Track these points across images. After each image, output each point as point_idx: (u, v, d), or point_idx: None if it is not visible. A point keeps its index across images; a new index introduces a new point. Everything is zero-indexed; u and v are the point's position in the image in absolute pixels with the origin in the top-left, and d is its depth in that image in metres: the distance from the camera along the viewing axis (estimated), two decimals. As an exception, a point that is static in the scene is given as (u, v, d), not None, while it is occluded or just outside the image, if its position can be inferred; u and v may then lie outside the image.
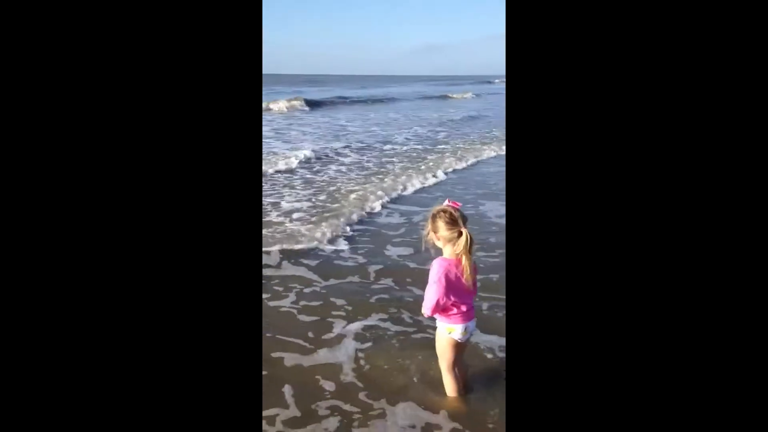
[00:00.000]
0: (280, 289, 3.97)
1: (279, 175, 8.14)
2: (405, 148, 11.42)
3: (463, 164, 9.30)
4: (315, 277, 4.24)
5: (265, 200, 6.57)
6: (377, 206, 6.30)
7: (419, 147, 11.55)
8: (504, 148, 11.30)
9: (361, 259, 4.66)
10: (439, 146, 11.68)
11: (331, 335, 3.31)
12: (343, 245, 4.97)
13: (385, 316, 3.57)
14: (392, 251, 4.88)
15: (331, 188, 7.40)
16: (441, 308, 2.36)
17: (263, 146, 10.12)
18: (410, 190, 7.33)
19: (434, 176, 8.19)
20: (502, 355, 3.08)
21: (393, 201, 6.66)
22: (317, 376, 2.85)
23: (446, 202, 2.37)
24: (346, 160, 9.78)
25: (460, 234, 2.26)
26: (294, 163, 8.92)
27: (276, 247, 4.75)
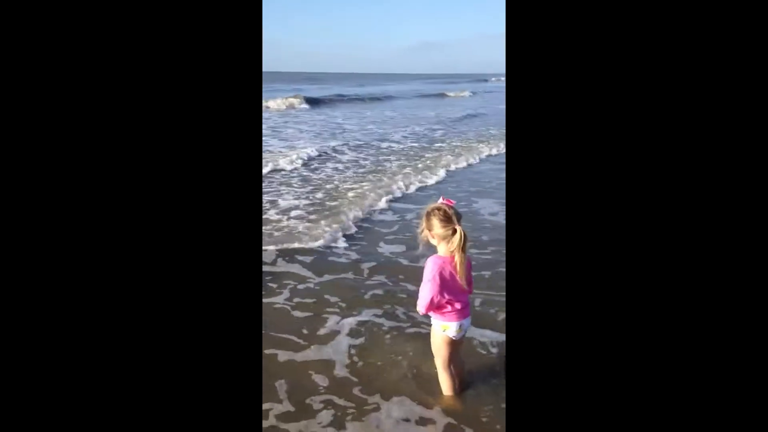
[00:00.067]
0: (274, 285, 3.99)
1: (277, 174, 8.12)
2: (402, 146, 11.41)
3: (464, 164, 9.28)
4: (309, 273, 4.26)
5: (263, 198, 6.58)
6: (378, 205, 6.32)
7: (416, 145, 11.54)
8: (500, 146, 11.32)
9: (355, 256, 4.67)
10: (437, 144, 11.68)
11: (325, 331, 3.32)
12: (337, 243, 4.98)
13: (380, 312, 3.58)
14: (385, 248, 4.90)
15: (328, 186, 7.41)
16: (435, 306, 2.37)
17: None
18: (406, 188, 7.33)
19: (434, 174, 8.20)
20: (495, 350, 3.10)
21: (390, 201, 6.65)
22: (311, 372, 2.86)
23: (440, 200, 2.37)
24: (344, 158, 9.77)
25: (455, 231, 2.27)
26: (298, 162, 8.86)
27: (272, 247, 4.75)
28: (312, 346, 3.13)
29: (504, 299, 3.75)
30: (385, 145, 11.56)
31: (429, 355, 2.74)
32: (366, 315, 3.54)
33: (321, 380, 2.78)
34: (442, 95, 34.19)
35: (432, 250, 2.47)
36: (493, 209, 6.26)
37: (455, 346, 2.52)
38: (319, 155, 9.73)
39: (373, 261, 4.55)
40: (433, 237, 2.36)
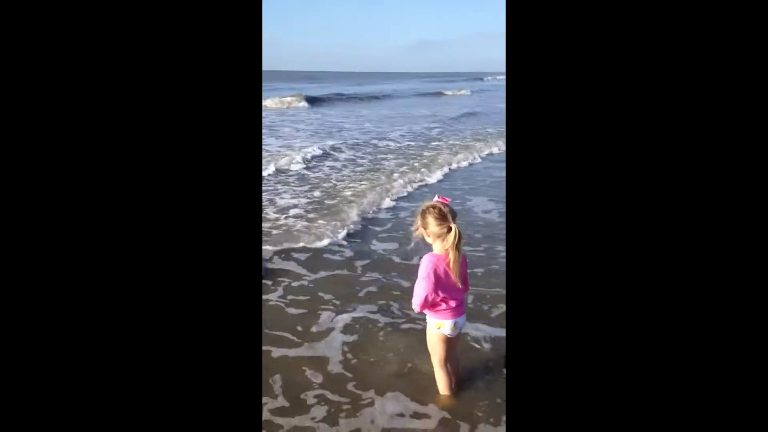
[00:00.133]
0: (269, 282, 3.99)
1: (277, 173, 8.10)
2: (399, 144, 11.41)
3: (464, 163, 9.24)
4: (303, 271, 4.26)
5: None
6: (383, 204, 6.31)
7: (413, 143, 11.54)
8: (497, 144, 11.32)
9: (349, 253, 4.69)
10: (434, 143, 11.68)
11: (320, 328, 3.33)
12: (332, 241, 4.98)
13: (374, 308, 3.59)
14: (378, 246, 4.91)
15: (325, 185, 7.40)
16: (430, 304, 2.37)
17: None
18: (404, 187, 7.30)
19: (431, 173, 8.19)
20: (489, 345, 3.11)
21: (391, 199, 6.65)
22: (305, 368, 2.87)
23: (436, 198, 2.38)
24: (342, 156, 9.76)
25: (450, 230, 2.27)
26: (299, 163, 8.77)
27: (270, 247, 4.74)
28: (306, 343, 3.14)
29: (496, 295, 3.77)
30: (383, 143, 11.54)
31: (423, 351, 2.75)
32: (361, 311, 3.54)
33: (315, 376, 2.79)
34: (439, 94, 34.20)
35: (426, 245, 2.48)
36: (486, 207, 6.27)
37: (451, 343, 2.52)
38: (322, 154, 9.69)
39: (367, 258, 4.57)
40: (429, 235, 2.36)
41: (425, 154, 10.08)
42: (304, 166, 8.65)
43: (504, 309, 3.57)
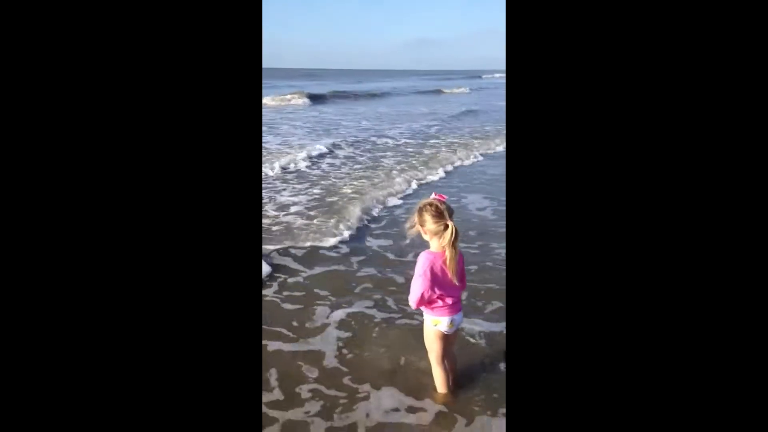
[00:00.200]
0: (265, 278, 4.00)
1: (279, 172, 8.07)
2: (398, 142, 11.40)
3: (462, 162, 9.22)
4: (299, 267, 4.28)
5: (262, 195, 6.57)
6: (389, 202, 6.30)
7: (413, 141, 11.53)
8: (495, 142, 11.32)
9: (344, 249, 4.70)
10: (432, 140, 11.69)
11: (315, 323, 3.34)
12: (335, 239, 4.99)
13: (370, 304, 3.61)
14: (373, 242, 4.93)
15: (324, 182, 7.40)
16: (427, 301, 2.38)
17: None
18: (407, 185, 7.28)
19: (432, 170, 8.17)
20: (484, 340, 3.13)
21: (391, 197, 6.65)
22: (300, 362, 2.88)
23: (433, 195, 2.38)
24: (342, 154, 9.73)
25: (446, 227, 2.28)
26: (305, 161, 8.73)
27: (270, 246, 4.74)
28: (301, 338, 3.15)
29: (491, 290, 3.78)
30: (383, 141, 11.51)
31: (419, 346, 2.76)
32: (356, 307, 3.56)
33: (310, 370, 2.80)
34: (438, 91, 34.18)
35: (422, 242, 2.48)
36: (481, 204, 6.29)
37: (448, 340, 2.53)
38: (326, 152, 9.63)
39: (362, 255, 4.58)
40: (425, 232, 2.36)
41: (424, 152, 10.07)
42: (309, 164, 8.62)
43: (498, 305, 3.58)
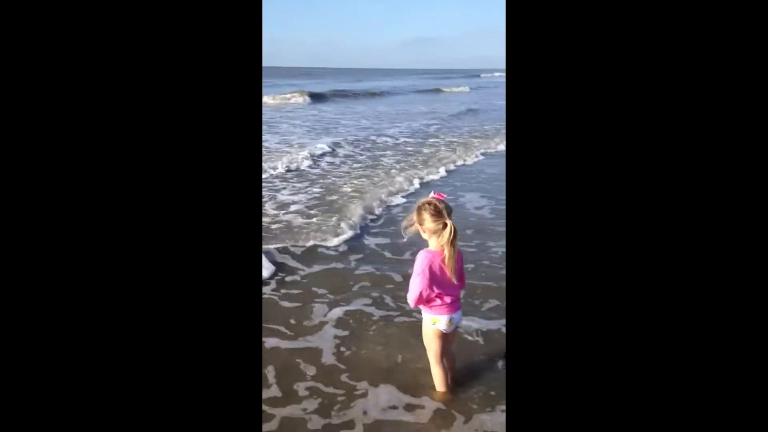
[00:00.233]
0: (265, 278, 4.00)
1: (280, 171, 8.04)
2: (397, 141, 11.40)
3: (462, 161, 9.17)
4: (297, 264, 4.28)
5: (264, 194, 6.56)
6: (393, 200, 6.29)
7: (413, 140, 11.52)
8: (494, 141, 11.33)
9: (342, 248, 4.70)
10: (431, 139, 11.69)
11: (313, 320, 3.35)
12: (330, 237, 4.99)
13: (369, 301, 3.61)
14: (371, 240, 4.93)
15: (324, 181, 7.39)
16: (425, 300, 2.38)
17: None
18: (404, 185, 7.27)
19: (433, 170, 8.15)
20: (480, 338, 3.14)
21: (393, 195, 6.64)
22: (298, 360, 2.89)
23: (432, 194, 2.39)
24: (343, 153, 9.70)
25: (445, 226, 2.28)
26: (308, 160, 8.68)
27: (271, 245, 4.74)
28: (300, 335, 3.16)
29: (487, 288, 3.79)
30: (383, 140, 11.48)
31: (417, 343, 2.77)
32: (354, 305, 3.57)
33: (308, 368, 2.81)
34: (437, 90, 34.17)
35: (421, 240, 2.48)
36: (479, 203, 6.30)
37: (446, 339, 2.53)
38: (330, 152, 9.59)
39: (360, 253, 4.59)
40: (424, 231, 2.36)
41: (424, 150, 10.07)
42: (311, 163, 8.59)
43: (495, 303, 3.60)
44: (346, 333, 3.19)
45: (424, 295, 2.34)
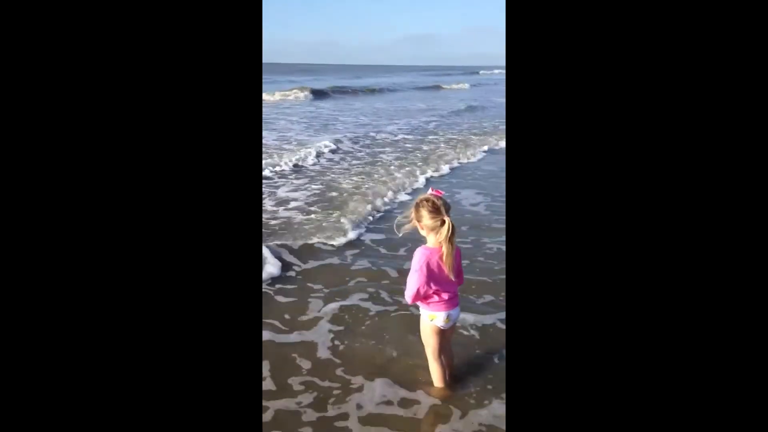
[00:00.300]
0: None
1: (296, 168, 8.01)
2: (397, 138, 11.39)
3: (474, 159, 9.13)
4: (293, 259, 4.29)
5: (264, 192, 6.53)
6: (384, 197, 6.27)
7: (413, 137, 11.49)
8: (493, 138, 11.32)
9: (339, 243, 4.71)
10: (430, 136, 11.68)
11: (309, 315, 3.36)
12: (330, 235, 5.00)
13: (365, 296, 3.62)
14: (367, 236, 4.94)
15: (324, 178, 7.39)
16: (422, 296, 2.39)
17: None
18: (404, 181, 7.25)
19: (436, 167, 8.13)
20: (476, 332, 3.15)
21: (395, 192, 6.63)
22: (293, 354, 2.90)
23: (430, 191, 2.39)
24: (347, 152, 9.65)
25: (443, 222, 2.28)
26: (313, 157, 8.63)
27: (269, 242, 4.72)
28: (295, 330, 3.17)
29: (482, 284, 3.81)
30: (386, 138, 11.42)
31: (413, 338, 2.78)
32: (350, 300, 3.57)
33: (303, 362, 2.82)
34: (437, 87, 34.14)
35: (416, 235, 2.49)
36: (474, 200, 6.31)
37: (444, 335, 2.53)
38: (332, 150, 9.53)
39: (356, 248, 4.60)
40: (422, 228, 2.36)
41: (423, 147, 10.06)
42: (315, 160, 8.55)
43: (490, 298, 3.61)
44: (341, 328, 3.19)
45: (422, 291, 2.34)
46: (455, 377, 2.67)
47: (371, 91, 28.33)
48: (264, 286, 3.79)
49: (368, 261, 4.28)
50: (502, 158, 9.13)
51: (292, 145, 9.92)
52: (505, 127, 12.37)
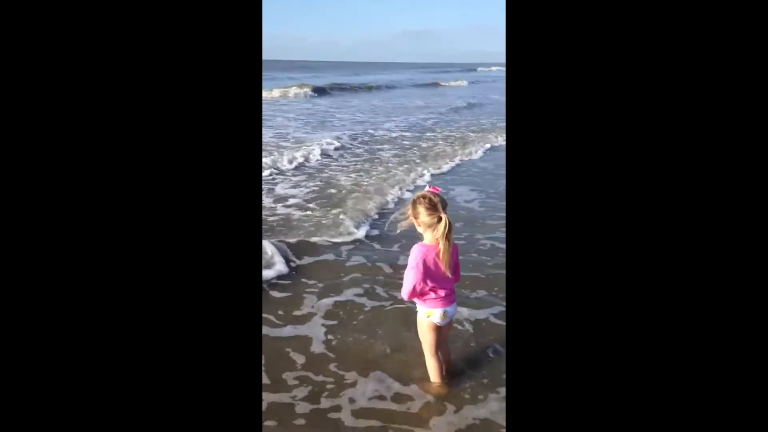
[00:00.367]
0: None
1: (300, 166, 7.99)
2: (396, 135, 11.38)
3: (477, 155, 9.12)
4: (288, 255, 4.31)
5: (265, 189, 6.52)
6: (385, 194, 6.27)
7: (413, 135, 11.48)
8: (490, 135, 11.33)
9: (335, 240, 4.74)
10: (428, 133, 11.68)
11: (303, 311, 3.38)
12: (322, 230, 5.02)
13: (360, 291, 3.65)
14: (362, 233, 4.95)
15: (323, 175, 7.39)
16: (419, 293, 2.40)
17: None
18: (402, 177, 7.25)
19: (436, 164, 8.13)
20: (470, 326, 3.17)
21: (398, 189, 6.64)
22: (288, 349, 2.92)
23: (427, 188, 2.40)
24: (340, 145, 9.66)
25: (440, 219, 2.29)
26: (314, 155, 8.60)
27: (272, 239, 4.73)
28: (289, 325, 3.19)
29: (476, 279, 3.84)
30: (386, 135, 11.40)
31: (408, 334, 2.80)
32: (345, 295, 3.60)
33: (298, 356, 2.84)
34: (435, 84, 34.09)
35: (412, 234, 2.50)
36: (468, 197, 6.33)
37: (440, 332, 2.54)
38: (336, 147, 9.49)
39: (351, 244, 4.63)
40: (419, 225, 2.36)
41: (422, 145, 10.05)
42: (319, 157, 8.53)
43: (483, 293, 3.65)
44: (336, 323, 3.22)
45: (418, 288, 2.35)
46: (451, 373, 2.68)
47: (369, 88, 28.28)
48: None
49: (363, 257, 4.31)
50: (498, 155, 9.15)
51: (290, 142, 9.91)
52: (503, 124, 12.41)
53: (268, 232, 4.83)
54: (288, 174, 7.40)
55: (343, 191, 6.42)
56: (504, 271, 3.97)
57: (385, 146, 9.90)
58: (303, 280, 3.87)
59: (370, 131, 11.78)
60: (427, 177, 7.28)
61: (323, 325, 3.20)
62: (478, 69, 70.31)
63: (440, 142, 10.34)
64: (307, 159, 8.35)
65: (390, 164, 8.12)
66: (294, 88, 23.37)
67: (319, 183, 6.88)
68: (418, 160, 8.46)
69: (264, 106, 17.06)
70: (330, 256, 4.34)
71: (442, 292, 2.42)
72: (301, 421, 2.36)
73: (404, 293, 2.41)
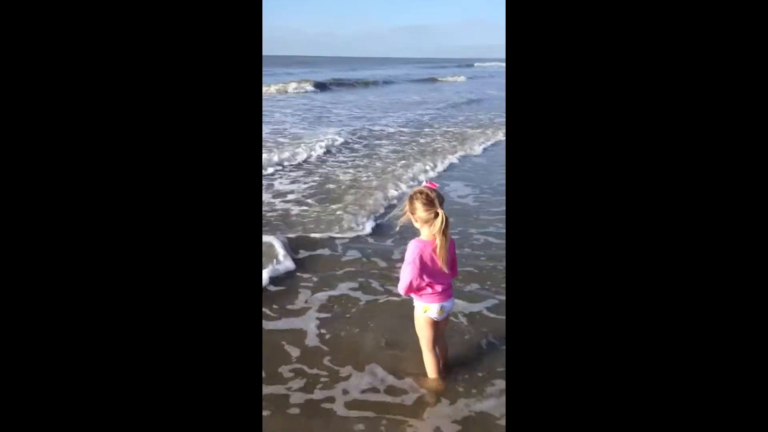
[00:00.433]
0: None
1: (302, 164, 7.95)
2: (393, 131, 11.36)
3: (478, 152, 9.07)
4: (287, 249, 4.33)
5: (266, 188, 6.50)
6: (385, 191, 6.25)
7: (411, 131, 11.44)
8: (488, 132, 11.33)
9: (333, 234, 4.76)
10: (426, 129, 11.67)
11: (298, 305, 3.40)
12: (320, 225, 5.04)
13: (355, 285, 3.67)
14: (359, 228, 4.97)
15: (321, 171, 7.39)
16: (415, 288, 2.41)
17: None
18: (401, 172, 7.22)
19: (437, 161, 8.07)
20: (465, 319, 3.20)
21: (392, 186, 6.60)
22: (283, 342, 2.94)
23: (424, 184, 2.41)
24: (346, 147, 9.55)
25: (437, 215, 2.30)
26: (319, 151, 8.55)
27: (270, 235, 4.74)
28: (284, 318, 3.21)
29: (469, 274, 3.86)
30: (383, 131, 11.37)
31: (403, 328, 2.81)
32: (340, 289, 3.62)
33: (292, 349, 2.87)
34: (433, 80, 34.00)
35: (408, 228, 2.52)
36: (462, 192, 6.34)
37: (437, 326, 2.55)
38: (340, 144, 9.40)
39: (347, 238, 4.65)
40: (416, 220, 2.37)
41: (420, 140, 10.03)
42: (321, 154, 8.48)
43: (476, 287, 3.68)
44: (331, 316, 3.24)
45: (414, 284, 2.36)
46: (448, 367, 2.70)
47: (366, 83, 28.20)
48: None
49: (359, 251, 4.34)
50: (494, 151, 9.17)
51: (288, 138, 9.91)
52: (501, 120, 12.41)
53: (267, 228, 4.85)
54: (287, 170, 7.40)
55: (342, 187, 6.42)
56: (497, 265, 4.01)
57: (383, 142, 9.89)
58: (299, 274, 3.90)
59: (368, 127, 11.77)
60: (436, 171, 7.28)
61: (318, 318, 3.22)
62: (476, 64, 70.17)
63: (438, 138, 10.33)
64: (305, 155, 8.33)
65: (388, 160, 8.13)
66: (293, 83, 23.31)
67: (317, 179, 6.88)
68: (417, 156, 8.44)
69: (262, 102, 17.00)
70: (326, 251, 4.37)
71: (439, 288, 2.43)
72: (295, 410, 2.39)
73: (401, 288, 2.43)
